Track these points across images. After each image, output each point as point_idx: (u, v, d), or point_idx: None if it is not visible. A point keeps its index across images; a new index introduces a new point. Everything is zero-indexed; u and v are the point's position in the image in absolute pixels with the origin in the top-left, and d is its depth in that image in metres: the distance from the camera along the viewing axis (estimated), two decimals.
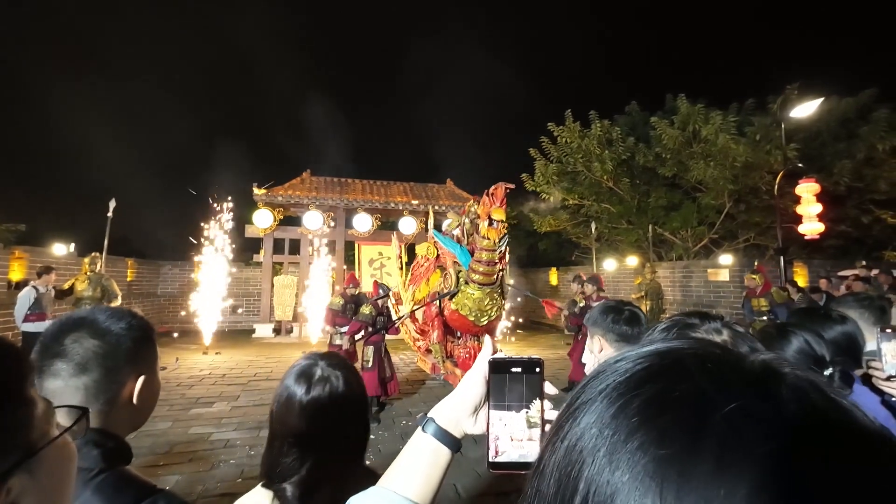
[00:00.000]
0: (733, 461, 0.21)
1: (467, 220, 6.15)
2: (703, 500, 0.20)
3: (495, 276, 5.52)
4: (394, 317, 6.53)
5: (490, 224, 5.16)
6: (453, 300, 5.76)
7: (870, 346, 1.43)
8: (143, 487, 0.81)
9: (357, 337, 5.43)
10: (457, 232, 6.44)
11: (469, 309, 5.60)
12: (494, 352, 0.62)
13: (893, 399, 1.25)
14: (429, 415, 0.62)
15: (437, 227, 7.88)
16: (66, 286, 6.78)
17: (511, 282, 7.29)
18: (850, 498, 0.20)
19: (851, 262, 9.09)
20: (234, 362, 7.97)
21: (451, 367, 6.32)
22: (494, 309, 5.70)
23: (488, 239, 5.19)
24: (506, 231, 5.52)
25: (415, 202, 12.42)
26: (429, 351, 6.79)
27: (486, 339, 0.69)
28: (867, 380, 1.31)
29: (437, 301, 6.11)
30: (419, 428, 0.62)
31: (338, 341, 5.70)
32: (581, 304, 6.53)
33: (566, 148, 12.92)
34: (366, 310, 5.50)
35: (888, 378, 1.25)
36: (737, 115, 11.18)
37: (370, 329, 5.36)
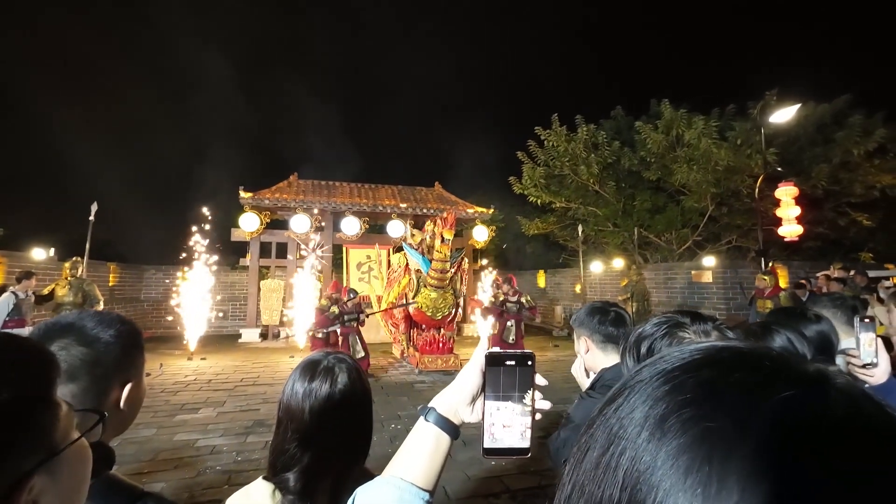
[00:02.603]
0: (781, 440, 0.22)
1: (428, 236, 7.81)
2: (747, 471, 0.22)
3: (447, 282, 7.16)
4: (370, 312, 8.41)
5: (442, 241, 6.67)
6: (415, 298, 7.38)
7: (843, 344, 1.49)
8: (130, 491, 0.81)
9: (325, 330, 6.88)
10: (415, 240, 8.26)
11: (427, 306, 7.21)
12: (489, 346, 0.66)
13: (868, 385, 1.32)
14: (430, 404, 0.66)
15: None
16: (45, 291, 6.62)
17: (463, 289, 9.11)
18: (883, 493, 0.21)
19: (829, 263, 9.34)
20: (220, 367, 7.86)
21: (412, 352, 7.99)
22: (447, 307, 7.34)
23: (441, 252, 6.78)
24: (461, 248, 7.82)
25: (403, 205, 12.41)
26: (399, 340, 8.56)
27: (482, 336, 0.73)
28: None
29: (404, 303, 7.92)
30: (421, 418, 0.66)
31: (319, 335, 6.97)
32: (500, 298, 8.16)
33: (553, 151, 13.06)
34: (334, 309, 6.96)
35: (864, 365, 1.31)
36: (718, 119, 11.44)
37: (337, 322, 6.89)
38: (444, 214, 6.83)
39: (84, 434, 0.47)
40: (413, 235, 8.60)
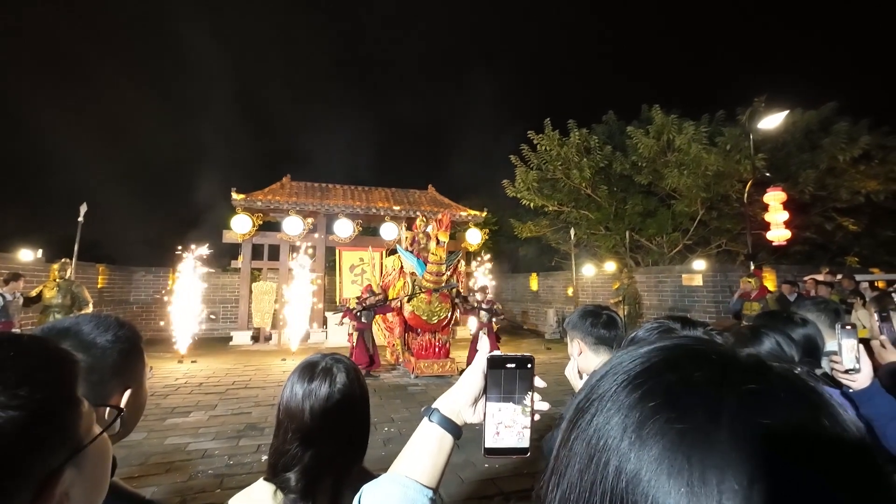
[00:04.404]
0: (744, 432, 0.25)
1: (420, 233, 7.73)
2: (723, 463, 0.24)
3: (443, 284, 7.07)
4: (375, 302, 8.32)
5: (437, 244, 6.61)
6: (410, 303, 7.27)
7: (827, 347, 1.53)
8: (133, 498, 0.82)
9: (344, 319, 7.59)
10: (407, 240, 8.20)
11: (423, 310, 7.12)
12: (490, 350, 0.67)
13: (851, 390, 1.36)
14: (433, 406, 0.68)
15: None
16: (33, 293, 6.53)
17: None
18: (821, 453, 0.25)
19: (816, 267, 9.49)
20: (211, 371, 7.79)
21: (408, 357, 7.92)
22: (443, 310, 7.25)
23: (436, 255, 6.70)
24: (456, 250, 7.79)
25: (396, 208, 12.42)
26: (395, 344, 8.47)
27: (483, 338, 0.75)
28: (826, 378, 1.40)
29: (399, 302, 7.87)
30: (425, 418, 0.68)
31: (351, 331, 7.53)
32: (474, 305, 8.20)
33: (546, 155, 13.15)
34: (352, 304, 7.50)
35: (846, 371, 1.35)
36: (708, 125, 11.61)
37: (356, 315, 7.37)
38: (439, 216, 6.73)
39: (106, 429, 0.50)
40: (406, 238, 8.50)
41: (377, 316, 8.92)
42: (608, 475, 0.27)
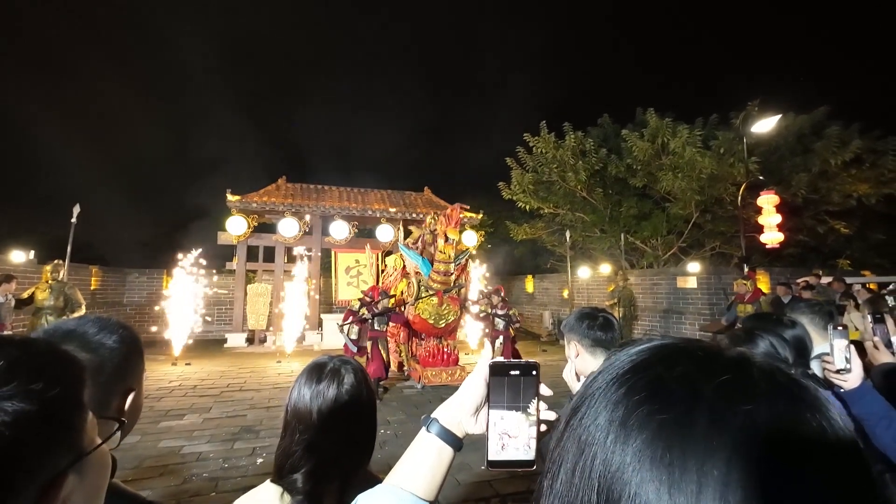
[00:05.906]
0: (723, 420, 0.26)
1: (427, 232, 7.22)
2: (702, 450, 0.25)
3: (451, 285, 6.61)
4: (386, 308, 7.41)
5: (446, 241, 6.23)
6: (416, 306, 6.76)
7: (818, 349, 1.55)
8: (134, 499, 0.82)
9: (346, 322, 6.58)
10: (413, 238, 7.70)
11: (429, 313, 6.64)
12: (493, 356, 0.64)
13: (842, 390, 1.38)
14: (432, 416, 0.65)
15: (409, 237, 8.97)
16: (25, 295, 6.47)
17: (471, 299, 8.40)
18: (799, 438, 0.26)
19: (809, 269, 9.58)
20: (206, 373, 7.75)
21: (413, 364, 7.39)
22: (451, 314, 6.75)
23: (444, 253, 6.29)
24: (465, 248, 6.93)
25: (392, 210, 12.41)
26: (398, 351, 7.79)
27: (486, 343, 0.74)
28: (815, 379, 1.42)
29: (403, 307, 7.25)
30: (423, 428, 0.65)
31: (353, 336, 6.67)
32: (488, 311, 7.65)
33: (541, 158, 13.20)
34: (364, 312, 6.58)
35: (838, 371, 1.37)
36: (702, 129, 11.69)
37: (361, 320, 6.49)
38: (448, 211, 6.30)
39: (109, 438, 0.49)
40: (410, 234, 8.07)
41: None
42: (595, 470, 0.28)
